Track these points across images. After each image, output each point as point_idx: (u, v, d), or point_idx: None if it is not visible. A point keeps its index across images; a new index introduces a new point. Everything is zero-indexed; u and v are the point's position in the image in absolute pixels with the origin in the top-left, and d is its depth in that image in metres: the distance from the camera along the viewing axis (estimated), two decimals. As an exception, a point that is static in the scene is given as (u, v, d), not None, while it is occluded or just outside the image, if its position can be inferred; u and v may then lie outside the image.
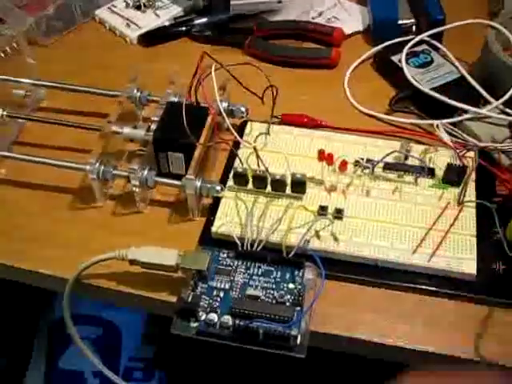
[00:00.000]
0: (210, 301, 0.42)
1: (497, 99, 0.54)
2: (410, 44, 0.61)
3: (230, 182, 0.49)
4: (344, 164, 0.48)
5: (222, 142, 0.50)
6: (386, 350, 0.42)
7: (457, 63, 0.59)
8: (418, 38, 0.61)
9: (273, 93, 0.52)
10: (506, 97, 0.53)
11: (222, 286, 0.43)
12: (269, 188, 0.48)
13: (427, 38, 0.62)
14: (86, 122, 0.55)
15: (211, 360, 0.77)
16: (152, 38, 0.68)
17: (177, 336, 0.41)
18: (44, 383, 0.82)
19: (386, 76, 0.62)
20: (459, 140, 0.52)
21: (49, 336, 0.85)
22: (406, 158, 0.50)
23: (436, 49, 0.62)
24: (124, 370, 0.83)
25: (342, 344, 0.43)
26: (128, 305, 0.50)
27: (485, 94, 0.55)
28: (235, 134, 0.49)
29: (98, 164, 0.48)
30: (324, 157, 0.49)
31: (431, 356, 0.42)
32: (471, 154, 0.50)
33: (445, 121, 0.53)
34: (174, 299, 0.44)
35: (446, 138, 0.49)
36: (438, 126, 0.51)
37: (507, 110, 0.53)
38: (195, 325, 0.41)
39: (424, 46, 0.62)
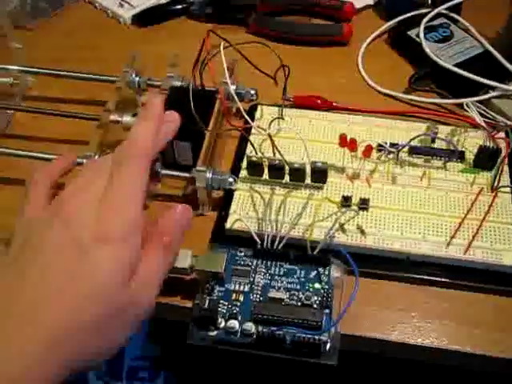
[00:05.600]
0: (229, 306, 0.38)
1: (526, 74, 0.50)
2: (427, 17, 0.57)
3: (244, 173, 0.45)
4: (369, 149, 0.44)
5: (234, 129, 0.45)
6: (423, 352, 0.39)
7: (479, 37, 0.55)
8: (435, 11, 0.57)
9: (285, 73, 0.48)
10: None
11: (242, 289, 0.39)
12: (286, 178, 0.44)
13: (445, 11, 0.58)
14: (81, 112, 0.50)
15: (221, 357, 0.73)
16: (147, 18, 0.63)
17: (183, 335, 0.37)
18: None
19: (402, 52, 0.58)
20: (487, 120, 0.48)
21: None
22: (433, 140, 0.46)
23: (455, 22, 0.57)
24: (129, 369, 0.80)
25: (375, 347, 0.39)
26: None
27: (512, 68, 0.51)
28: (248, 119, 0.44)
29: (96, 157, 0.44)
30: (346, 142, 0.44)
31: (471, 357, 0.38)
32: (501, 134, 0.46)
33: (473, 99, 0.48)
34: (187, 304, 0.40)
35: (478, 117, 0.45)
36: (467, 104, 0.47)
37: (538, 86, 0.50)
38: (214, 333, 0.37)
39: (442, 20, 0.58)
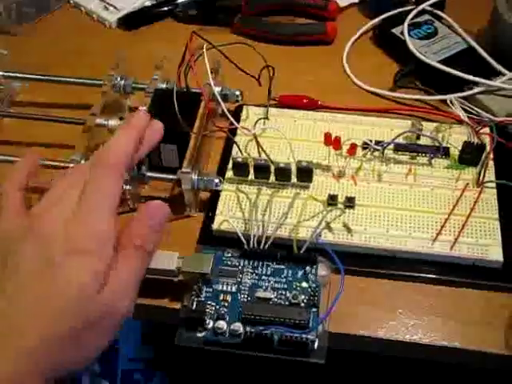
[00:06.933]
0: (217, 306, 0.38)
1: (509, 70, 0.50)
2: (411, 15, 0.57)
3: (229, 173, 0.45)
4: (353, 147, 0.44)
5: (219, 130, 0.45)
6: (412, 348, 0.39)
7: (463, 33, 0.55)
8: (419, 8, 0.57)
9: (269, 73, 0.48)
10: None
11: (229, 289, 0.39)
12: (272, 178, 0.44)
13: (429, 8, 0.58)
14: (68, 116, 0.50)
15: (214, 358, 0.74)
16: (133, 21, 0.63)
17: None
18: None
19: (387, 50, 0.58)
20: (472, 116, 0.49)
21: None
22: (418, 137, 0.47)
23: (439, 18, 0.58)
24: (123, 371, 0.80)
25: (364, 345, 0.39)
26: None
27: (496, 64, 0.52)
28: (233, 120, 0.45)
29: (83, 161, 0.44)
30: (330, 141, 0.45)
31: (460, 352, 0.39)
32: (486, 130, 0.47)
33: (457, 95, 0.49)
34: (176, 306, 0.40)
35: (462, 114, 0.45)
36: (451, 101, 0.47)
37: (522, 81, 0.50)
38: (202, 334, 0.37)
39: (426, 17, 0.58)
